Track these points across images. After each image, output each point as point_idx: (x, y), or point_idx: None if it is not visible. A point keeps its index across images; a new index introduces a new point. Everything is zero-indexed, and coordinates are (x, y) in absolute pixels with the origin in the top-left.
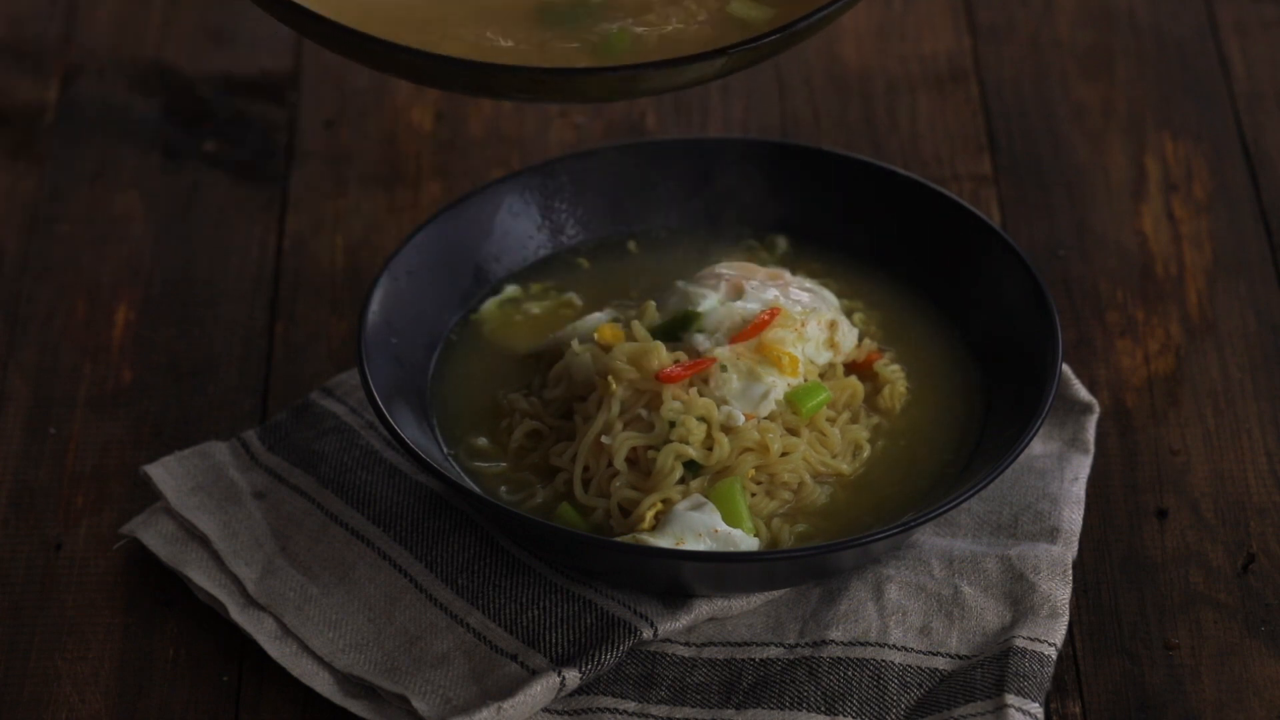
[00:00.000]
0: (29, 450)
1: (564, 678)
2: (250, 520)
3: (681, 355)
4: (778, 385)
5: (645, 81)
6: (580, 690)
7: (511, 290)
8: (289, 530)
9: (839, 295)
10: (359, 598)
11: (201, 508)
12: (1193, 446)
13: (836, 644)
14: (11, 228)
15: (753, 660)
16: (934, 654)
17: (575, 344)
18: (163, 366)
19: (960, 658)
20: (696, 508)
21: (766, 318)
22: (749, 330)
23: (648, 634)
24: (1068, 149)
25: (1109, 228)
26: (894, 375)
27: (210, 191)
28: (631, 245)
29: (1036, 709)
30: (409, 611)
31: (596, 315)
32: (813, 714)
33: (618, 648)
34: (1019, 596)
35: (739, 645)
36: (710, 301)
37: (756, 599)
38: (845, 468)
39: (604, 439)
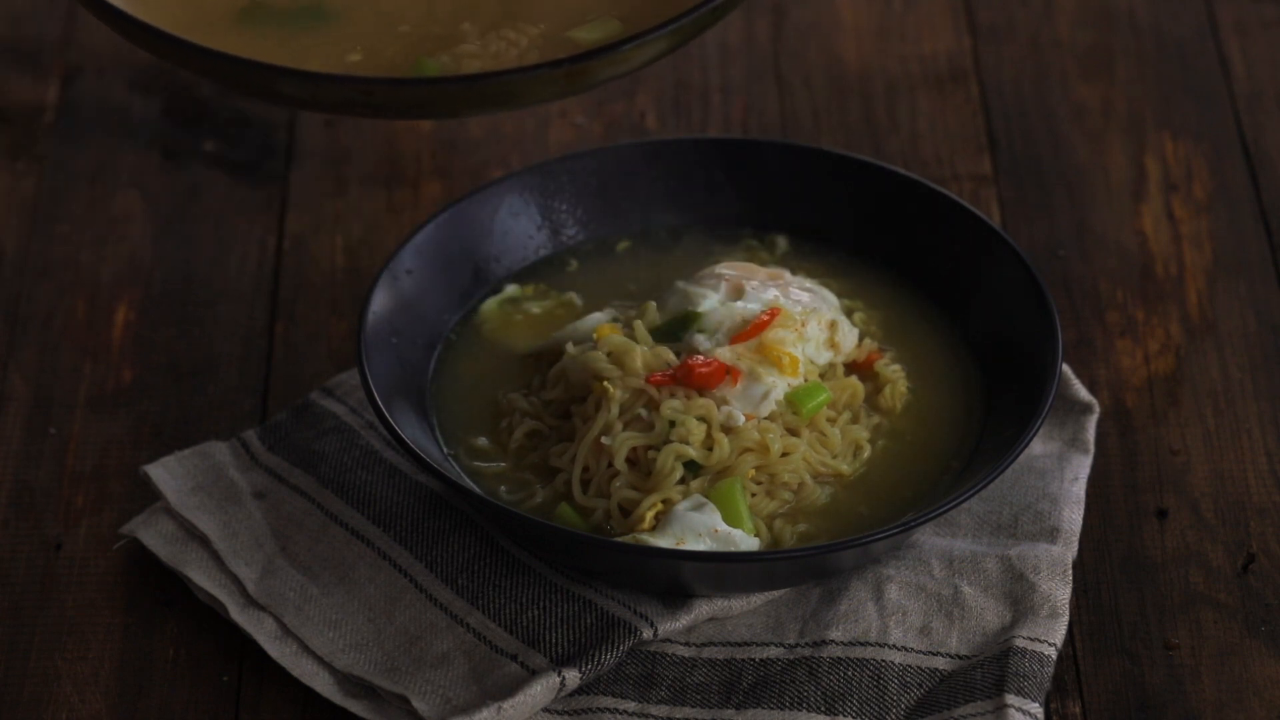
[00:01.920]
0: (29, 450)
1: (564, 678)
2: (250, 520)
3: (670, 357)
4: (778, 385)
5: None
6: (580, 690)
7: (511, 290)
8: (289, 530)
9: (839, 295)
10: (359, 598)
11: (201, 508)
12: (1193, 446)
13: (836, 644)
14: (11, 228)
15: (753, 660)
16: (934, 654)
17: (570, 346)
18: (163, 366)
19: (960, 658)
20: (697, 508)
21: (766, 318)
22: (749, 330)
23: (648, 634)
24: (1068, 149)
25: (1109, 228)
26: (894, 375)
27: (210, 191)
28: (630, 245)
29: (1036, 709)
30: (409, 611)
31: (596, 315)
32: (813, 714)
33: (618, 648)
34: (1019, 596)
35: (739, 645)
36: (711, 301)
37: (756, 599)
38: (845, 468)
39: (604, 439)
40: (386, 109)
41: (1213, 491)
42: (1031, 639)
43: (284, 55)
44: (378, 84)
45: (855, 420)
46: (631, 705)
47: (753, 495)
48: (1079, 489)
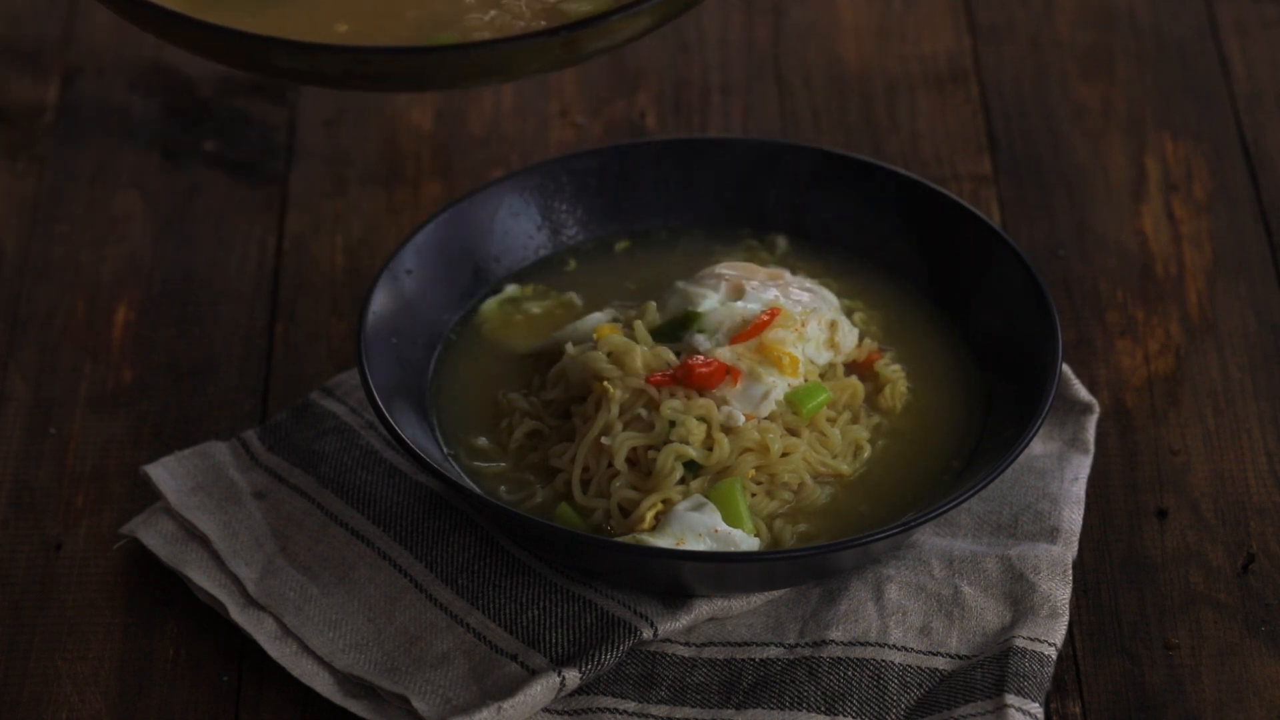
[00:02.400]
0: (29, 450)
1: (564, 678)
2: (250, 520)
3: (670, 357)
4: (778, 385)
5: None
6: (580, 690)
7: (511, 290)
8: (289, 530)
9: (839, 295)
10: (359, 598)
11: (201, 508)
12: (1193, 446)
13: (836, 644)
14: (11, 228)
15: (753, 660)
16: (934, 654)
17: (570, 347)
18: (163, 366)
19: (960, 658)
20: (697, 508)
21: (767, 318)
22: (749, 331)
23: (648, 634)
24: (1068, 149)
25: (1109, 228)
26: (894, 375)
27: (210, 191)
28: (630, 245)
29: (1036, 709)
30: (409, 611)
31: (596, 315)
32: (813, 714)
33: (618, 648)
34: (1019, 596)
35: (739, 645)
36: (711, 302)
37: (756, 599)
38: (845, 468)
39: (604, 440)
40: (384, 80)
41: (1213, 491)
42: (1031, 639)
43: (257, 25)
44: (374, 54)
45: (855, 420)
46: (631, 705)
47: (753, 495)
48: (1079, 489)
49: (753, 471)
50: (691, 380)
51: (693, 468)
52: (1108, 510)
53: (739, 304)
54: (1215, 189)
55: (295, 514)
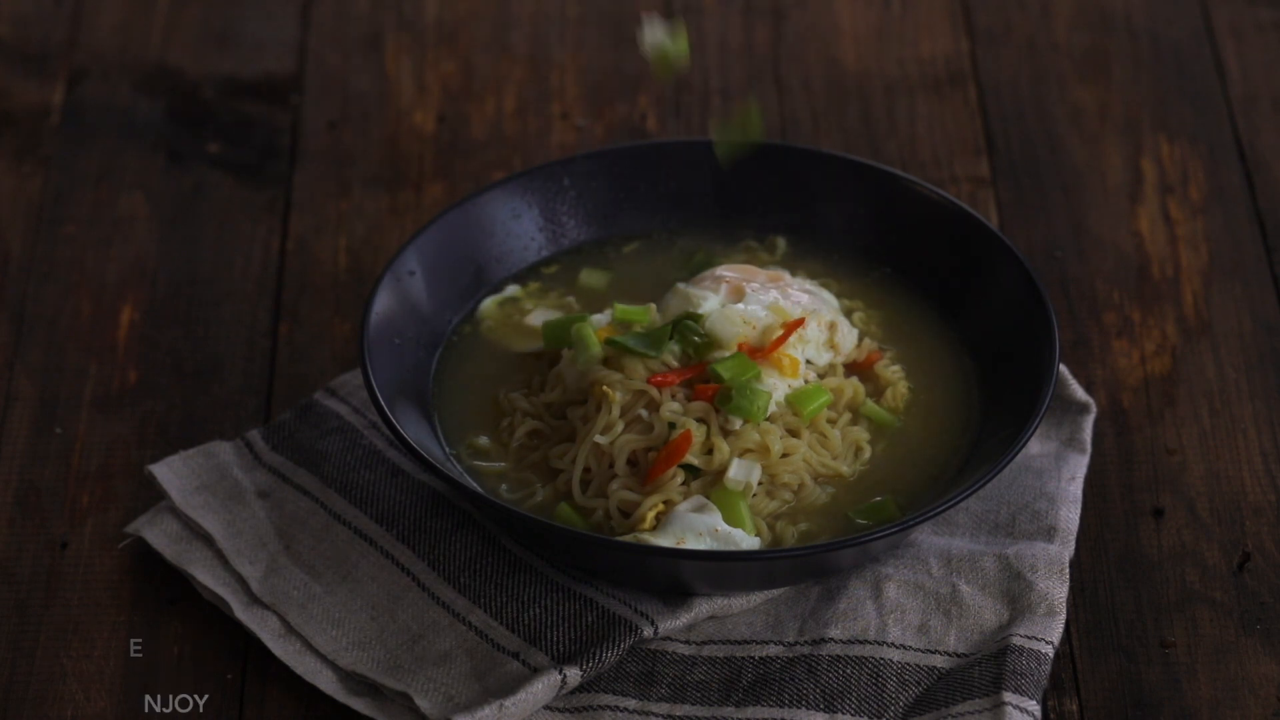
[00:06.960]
0: (35, 450)
1: (565, 675)
2: (254, 519)
3: (670, 360)
4: (778, 387)
5: None
6: (581, 688)
7: (512, 290)
8: (292, 529)
9: (839, 295)
10: (362, 596)
11: (206, 507)
12: (1189, 446)
13: (835, 642)
14: (17, 229)
15: (752, 658)
16: (932, 652)
17: (567, 352)
18: (167, 367)
19: (958, 656)
20: (698, 509)
21: (785, 333)
22: (769, 348)
23: (648, 632)
24: (1065, 151)
25: (1106, 229)
26: (895, 376)
27: (214, 193)
28: (631, 247)
29: (1034, 706)
30: (411, 610)
31: (596, 317)
32: (812, 711)
33: (618, 646)
34: (1016, 595)
35: (739, 643)
36: (711, 304)
37: (756, 597)
38: (845, 469)
39: (598, 439)
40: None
41: (1208, 491)
42: (1029, 637)
43: None
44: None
45: (855, 421)
46: (632, 703)
47: (753, 495)
48: (1076, 488)
49: None
50: (702, 391)
51: (694, 469)
52: (1104, 509)
53: (740, 306)
54: (1211, 191)
55: (299, 513)
